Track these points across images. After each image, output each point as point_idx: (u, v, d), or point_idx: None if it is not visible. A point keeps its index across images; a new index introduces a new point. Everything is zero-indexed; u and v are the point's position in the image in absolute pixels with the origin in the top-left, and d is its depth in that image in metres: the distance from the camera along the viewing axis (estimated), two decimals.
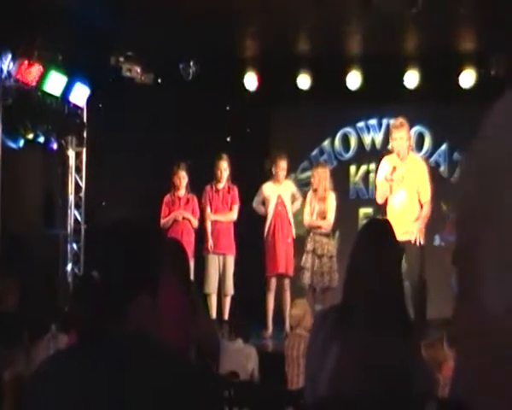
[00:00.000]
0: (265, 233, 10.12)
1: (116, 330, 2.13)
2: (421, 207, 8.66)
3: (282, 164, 10.11)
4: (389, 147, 9.37)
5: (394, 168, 8.61)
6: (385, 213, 8.78)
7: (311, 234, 9.90)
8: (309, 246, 9.86)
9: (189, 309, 4.96)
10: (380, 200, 8.90)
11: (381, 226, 3.69)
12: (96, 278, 2.16)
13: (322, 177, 9.89)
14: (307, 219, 9.93)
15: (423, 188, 8.64)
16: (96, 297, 2.16)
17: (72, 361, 2.16)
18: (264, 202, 10.24)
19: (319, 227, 9.87)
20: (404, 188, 8.61)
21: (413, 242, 8.50)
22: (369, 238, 3.50)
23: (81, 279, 9.63)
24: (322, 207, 9.89)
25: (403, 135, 8.67)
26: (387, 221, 3.95)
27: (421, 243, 8.61)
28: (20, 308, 7.95)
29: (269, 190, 10.18)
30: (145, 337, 2.13)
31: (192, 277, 9.27)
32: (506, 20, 8.79)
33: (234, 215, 10.23)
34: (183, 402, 2.09)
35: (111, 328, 2.13)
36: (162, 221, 10.15)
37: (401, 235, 7.89)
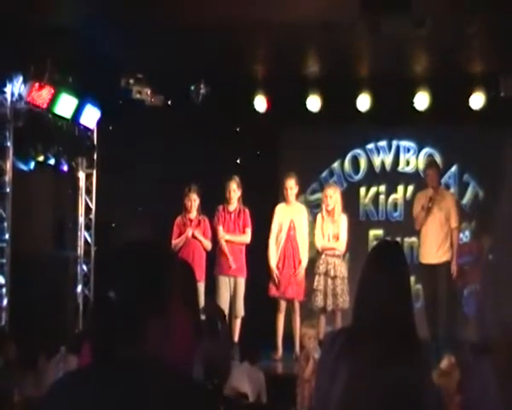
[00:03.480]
0: (277, 257, 10.08)
1: (126, 352, 2.12)
2: (452, 232, 9.91)
3: (289, 183, 10.07)
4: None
5: (430, 199, 9.83)
6: (419, 237, 10.19)
7: (323, 256, 9.87)
8: (321, 268, 9.83)
9: (198, 332, 4.95)
10: (417, 227, 10.09)
11: (390, 248, 3.68)
12: (111, 300, 2.15)
13: (334, 199, 9.89)
14: (320, 241, 9.91)
15: (453, 215, 9.92)
16: (110, 319, 2.16)
17: (82, 384, 2.15)
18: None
19: (333, 249, 9.86)
20: (437, 216, 9.87)
21: (445, 264, 9.82)
22: (379, 260, 3.49)
23: (95, 302, 9.62)
24: (335, 229, 9.88)
25: (434, 172, 10.15)
26: (397, 243, 3.94)
27: (453, 265, 9.83)
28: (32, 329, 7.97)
29: (282, 212, 10.14)
30: (155, 359, 2.13)
31: (202, 299, 9.30)
32: None
33: (247, 238, 10.23)
34: None
35: (121, 350, 2.13)
36: (173, 242, 10.17)
37: (434, 258, 9.76)
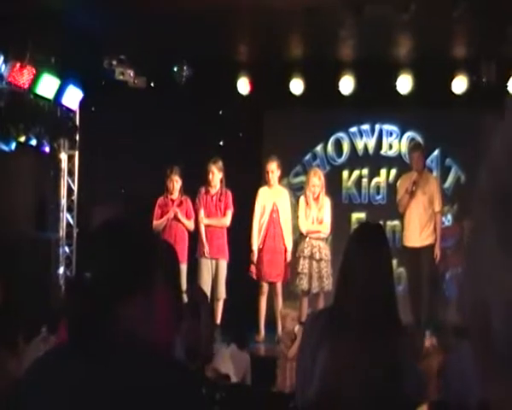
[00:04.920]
0: (259, 241, 10.09)
1: (106, 331, 2.12)
2: (435, 216, 10.01)
3: (271, 166, 10.09)
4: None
5: (414, 183, 9.88)
6: (403, 221, 10.27)
7: (307, 239, 9.89)
8: (306, 251, 9.84)
9: (178, 313, 4.95)
10: (401, 209, 10.17)
11: (372, 230, 3.69)
12: (88, 280, 2.15)
13: (319, 186, 9.91)
14: (304, 224, 9.92)
15: (437, 199, 10.02)
16: (87, 298, 2.16)
17: (61, 362, 2.15)
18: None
19: (317, 232, 9.89)
20: (421, 199, 9.95)
21: (428, 248, 9.91)
22: (360, 242, 3.50)
23: (72, 280, 9.60)
24: (319, 212, 9.90)
25: (419, 155, 10.24)
26: (379, 225, 3.95)
27: (436, 249, 9.94)
28: (12, 310, 7.93)
29: (264, 196, 10.15)
30: (135, 339, 2.13)
31: (184, 280, 9.29)
32: (498, 28, 8.82)
33: (227, 221, 10.22)
34: (174, 405, 2.08)
35: (101, 329, 2.12)
36: (154, 223, 10.15)
37: (418, 241, 9.85)
